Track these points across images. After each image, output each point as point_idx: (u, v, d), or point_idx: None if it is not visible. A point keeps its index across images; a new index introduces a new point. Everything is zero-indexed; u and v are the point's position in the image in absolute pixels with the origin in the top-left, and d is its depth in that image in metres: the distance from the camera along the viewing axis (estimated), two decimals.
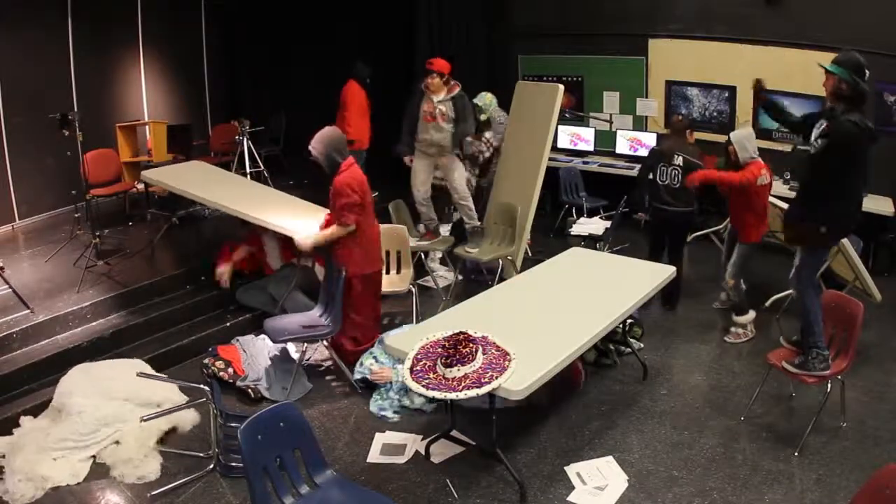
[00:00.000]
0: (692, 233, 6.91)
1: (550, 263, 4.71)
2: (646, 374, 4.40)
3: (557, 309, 3.87)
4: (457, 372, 3.07)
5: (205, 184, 5.40)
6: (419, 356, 3.26)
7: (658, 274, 4.40)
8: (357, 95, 6.88)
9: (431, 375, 3.12)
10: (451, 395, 3.00)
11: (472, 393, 2.99)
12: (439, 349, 3.21)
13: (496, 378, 3.03)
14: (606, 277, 4.36)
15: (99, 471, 3.56)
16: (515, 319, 3.73)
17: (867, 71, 3.53)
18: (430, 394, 3.05)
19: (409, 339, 3.47)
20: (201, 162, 6.37)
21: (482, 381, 3.03)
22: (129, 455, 3.59)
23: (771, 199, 5.02)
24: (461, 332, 3.21)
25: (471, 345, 3.14)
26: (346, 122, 6.72)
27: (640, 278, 4.30)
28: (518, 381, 3.03)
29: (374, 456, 3.68)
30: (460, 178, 5.88)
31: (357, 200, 4.22)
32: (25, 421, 3.78)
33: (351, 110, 6.85)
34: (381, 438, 3.82)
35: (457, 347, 3.12)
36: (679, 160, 5.08)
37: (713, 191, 5.22)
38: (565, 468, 3.50)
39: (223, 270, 5.20)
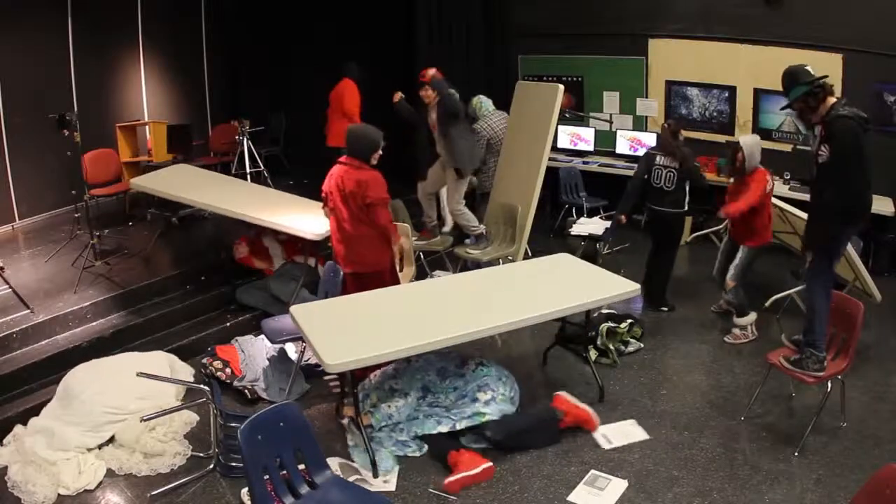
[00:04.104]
0: (692, 233, 6.94)
1: (530, 263, 4.75)
2: (602, 397, 4.14)
3: (469, 304, 3.91)
4: None
5: (196, 187, 5.41)
6: None
7: (615, 288, 4.07)
8: (356, 96, 6.84)
9: None
10: None
11: None
12: None
13: None
14: (561, 284, 4.17)
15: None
16: (425, 307, 3.87)
17: (806, 67, 3.52)
18: None
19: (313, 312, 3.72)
20: (187, 165, 6.35)
21: None
22: (142, 447, 3.63)
23: (772, 199, 5.01)
24: None
25: None
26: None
27: (593, 289, 4.05)
28: (335, 356, 3.21)
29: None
30: (450, 193, 5.73)
31: (323, 193, 4.32)
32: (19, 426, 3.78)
33: (356, 110, 6.79)
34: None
35: None
36: (664, 160, 5.20)
37: (710, 194, 5.26)
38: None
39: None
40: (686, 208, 5.29)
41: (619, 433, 3.80)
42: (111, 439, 3.73)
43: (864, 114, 3.45)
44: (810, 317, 3.70)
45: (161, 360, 4.27)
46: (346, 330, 3.57)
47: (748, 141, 4.78)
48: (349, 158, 4.20)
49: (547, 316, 3.81)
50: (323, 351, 3.26)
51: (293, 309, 3.80)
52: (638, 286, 4.10)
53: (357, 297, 4.03)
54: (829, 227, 3.59)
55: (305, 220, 4.97)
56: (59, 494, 3.35)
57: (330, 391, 4.33)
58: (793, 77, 3.55)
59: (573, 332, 4.46)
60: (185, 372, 4.46)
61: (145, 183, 5.50)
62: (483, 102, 6.25)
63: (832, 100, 3.49)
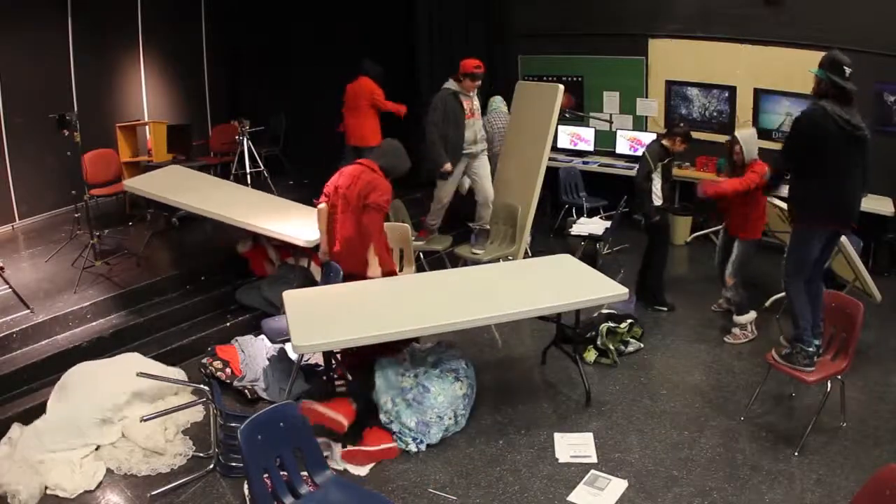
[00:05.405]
0: (691, 233, 6.94)
1: (526, 263, 4.79)
2: (588, 400, 4.14)
3: (456, 298, 3.93)
4: None
5: (188, 189, 5.40)
6: None
7: (603, 290, 4.00)
8: (374, 91, 6.73)
9: None
10: None
11: None
12: None
13: None
14: (551, 283, 4.14)
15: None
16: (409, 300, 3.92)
17: (847, 68, 3.56)
18: None
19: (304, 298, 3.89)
20: (180, 167, 6.33)
21: None
22: (143, 446, 3.63)
23: (770, 198, 5.02)
24: None
25: None
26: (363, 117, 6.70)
27: (582, 291, 4.00)
28: (305, 338, 3.38)
29: None
30: (489, 178, 6.01)
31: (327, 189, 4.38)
32: (15, 428, 3.76)
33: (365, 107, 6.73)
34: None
35: None
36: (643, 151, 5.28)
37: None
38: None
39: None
40: (659, 203, 5.17)
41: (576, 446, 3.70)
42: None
43: (849, 118, 3.53)
44: (790, 310, 3.84)
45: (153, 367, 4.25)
46: (328, 315, 3.66)
47: (744, 134, 4.83)
48: (370, 162, 4.27)
49: (527, 314, 3.86)
50: (296, 333, 3.41)
51: (286, 294, 3.88)
52: (626, 290, 4.00)
53: (352, 285, 4.11)
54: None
55: (296, 226, 4.97)
56: (55, 496, 3.34)
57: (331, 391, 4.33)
58: (829, 61, 3.62)
59: (568, 334, 4.46)
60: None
61: (138, 184, 5.49)
62: (496, 101, 6.63)
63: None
